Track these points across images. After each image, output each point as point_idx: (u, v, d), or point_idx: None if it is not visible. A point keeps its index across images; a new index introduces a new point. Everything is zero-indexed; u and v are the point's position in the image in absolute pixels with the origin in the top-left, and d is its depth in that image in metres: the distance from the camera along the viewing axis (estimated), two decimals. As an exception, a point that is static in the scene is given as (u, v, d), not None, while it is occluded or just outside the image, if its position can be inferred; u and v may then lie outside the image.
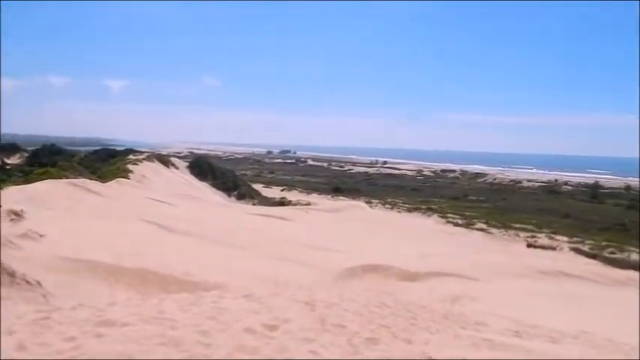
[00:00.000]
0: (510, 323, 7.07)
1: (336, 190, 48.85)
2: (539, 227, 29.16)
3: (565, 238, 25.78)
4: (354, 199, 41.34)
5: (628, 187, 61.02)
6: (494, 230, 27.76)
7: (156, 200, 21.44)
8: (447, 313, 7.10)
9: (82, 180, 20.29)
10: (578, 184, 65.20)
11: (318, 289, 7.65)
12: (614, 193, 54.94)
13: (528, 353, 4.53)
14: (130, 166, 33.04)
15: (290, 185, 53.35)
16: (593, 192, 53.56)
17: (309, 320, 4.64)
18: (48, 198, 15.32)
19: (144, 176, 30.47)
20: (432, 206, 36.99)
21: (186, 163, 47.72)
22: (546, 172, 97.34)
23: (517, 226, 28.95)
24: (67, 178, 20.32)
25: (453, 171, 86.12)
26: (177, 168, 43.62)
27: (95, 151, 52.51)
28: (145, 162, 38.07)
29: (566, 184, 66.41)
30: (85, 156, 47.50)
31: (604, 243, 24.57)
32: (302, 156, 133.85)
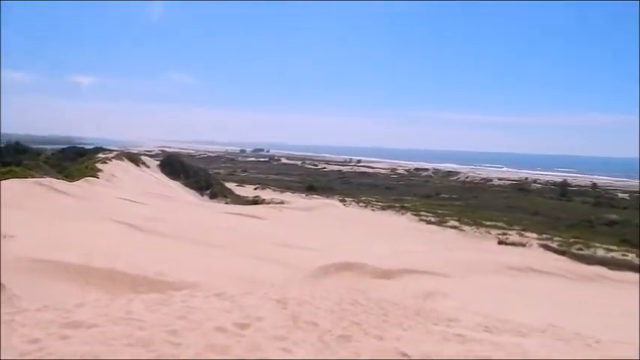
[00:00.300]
0: (481, 318, 7.21)
1: (310, 189, 48.83)
2: (510, 224, 29.74)
3: (534, 235, 26.38)
4: (327, 197, 41.36)
5: (594, 185, 63.12)
6: (466, 228, 28.20)
7: (126, 200, 20.99)
8: (419, 310, 7.18)
9: (49, 179, 19.68)
10: (547, 182, 66.96)
11: (290, 287, 7.63)
12: (581, 191, 56.67)
13: (497, 347, 4.61)
14: (99, 165, 32.26)
15: (263, 184, 53.05)
16: (562, 190, 55.10)
17: (281, 318, 4.62)
18: (14, 198, 14.81)
19: (113, 175, 29.78)
20: (406, 204, 37.34)
21: (158, 162, 46.91)
22: (516, 170, 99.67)
23: (488, 223, 29.48)
24: (33, 177, 19.68)
25: (426, 169, 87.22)
26: (147, 167, 42.81)
27: (62, 150, 51.05)
28: (115, 160, 37.23)
29: (535, 182, 68.11)
30: (52, 154, 46.11)
31: (572, 240, 25.26)
32: (275, 154, 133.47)
